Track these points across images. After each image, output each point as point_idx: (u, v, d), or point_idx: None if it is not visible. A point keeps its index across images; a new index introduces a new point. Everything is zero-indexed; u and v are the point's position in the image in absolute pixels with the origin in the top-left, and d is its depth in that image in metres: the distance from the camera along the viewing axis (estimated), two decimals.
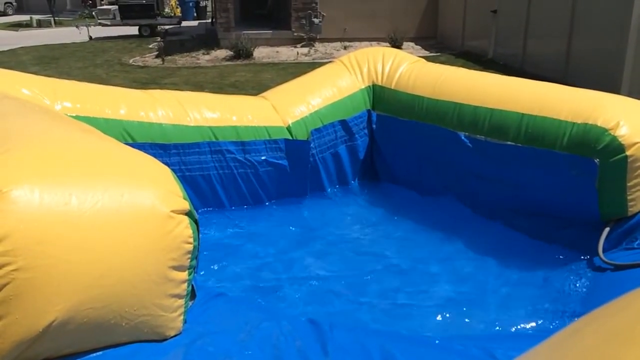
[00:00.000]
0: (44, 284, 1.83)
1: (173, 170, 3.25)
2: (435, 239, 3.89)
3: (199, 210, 3.83)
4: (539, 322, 2.94)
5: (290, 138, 4.28)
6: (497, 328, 2.93)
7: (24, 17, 25.50)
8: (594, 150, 3.37)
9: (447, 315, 3.05)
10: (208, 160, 4.02)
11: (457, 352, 2.30)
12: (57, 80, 3.93)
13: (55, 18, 24.17)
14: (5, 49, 15.22)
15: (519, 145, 3.74)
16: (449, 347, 2.36)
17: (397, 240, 3.93)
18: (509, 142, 3.79)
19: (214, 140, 4.03)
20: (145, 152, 3.32)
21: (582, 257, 3.41)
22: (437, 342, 2.43)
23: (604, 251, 3.28)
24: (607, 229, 3.38)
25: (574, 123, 3.49)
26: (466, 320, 3.01)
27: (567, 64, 9.14)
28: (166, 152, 3.84)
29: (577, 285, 3.19)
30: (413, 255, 3.71)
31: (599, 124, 3.39)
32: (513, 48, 10.91)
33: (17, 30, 21.88)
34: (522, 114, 3.74)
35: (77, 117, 3.42)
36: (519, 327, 2.91)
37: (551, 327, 2.85)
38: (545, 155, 3.61)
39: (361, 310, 3.12)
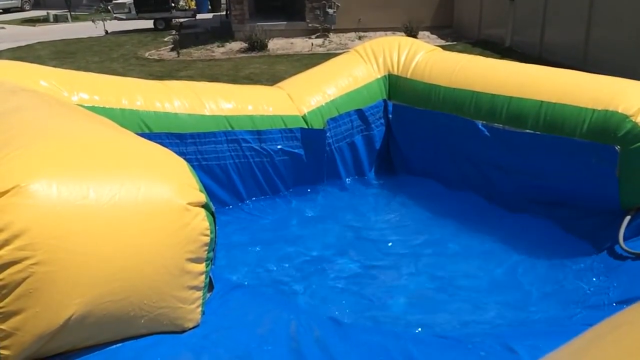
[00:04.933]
0: (63, 277, 1.84)
1: (189, 159, 3.26)
2: (452, 230, 3.85)
3: (215, 201, 3.84)
4: (561, 314, 2.89)
5: (306, 127, 4.28)
6: (518, 321, 2.89)
7: (41, 13, 25.73)
8: (615, 137, 3.32)
9: (465, 308, 3.02)
10: (224, 149, 4.03)
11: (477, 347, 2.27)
12: (74, 72, 3.97)
13: (72, 13, 24.34)
14: (23, 44, 15.37)
15: (538, 133, 3.69)
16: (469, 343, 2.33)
17: (414, 232, 3.90)
18: (527, 130, 3.74)
19: (230, 129, 4.04)
20: (161, 141, 3.34)
21: (603, 247, 3.35)
22: (456, 341, 2.40)
23: (624, 240, 3.23)
24: (628, 218, 3.32)
25: (594, 110, 3.44)
26: (485, 314, 2.98)
27: (586, 51, 8.99)
28: (182, 141, 3.86)
29: (598, 275, 3.14)
30: (429, 247, 3.68)
31: (619, 111, 3.33)
32: (531, 36, 10.75)
33: (34, 26, 22.09)
34: (541, 101, 3.69)
35: (94, 108, 3.44)
36: (539, 320, 2.86)
37: (573, 318, 2.81)
38: (564, 143, 3.56)
39: (377, 303, 3.10)
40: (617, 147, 3.31)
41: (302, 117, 4.30)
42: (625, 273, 3.01)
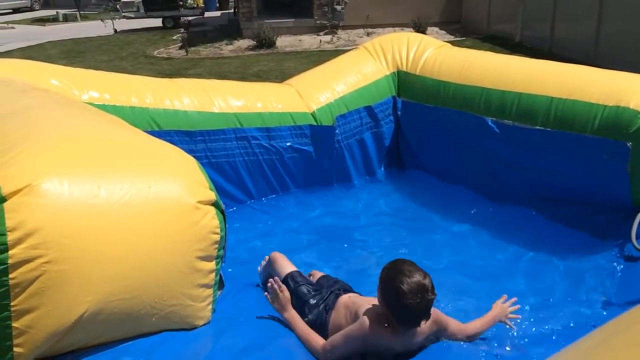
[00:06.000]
0: (75, 276, 1.85)
1: (199, 157, 3.26)
2: (461, 228, 3.83)
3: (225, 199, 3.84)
4: (571, 311, 2.87)
5: (315, 124, 4.27)
6: (524, 318, 2.86)
7: (51, 12, 25.85)
8: (626, 134, 3.29)
9: (469, 303, 3.00)
10: (233, 146, 4.04)
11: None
12: (85, 70, 4.00)
13: (81, 12, 24.44)
14: (33, 43, 15.44)
15: (548, 129, 3.66)
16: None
17: (421, 227, 3.89)
18: (537, 127, 3.72)
19: (239, 127, 4.04)
20: (171, 139, 3.35)
21: (614, 245, 3.31)
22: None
23: (637, 238, 3.20)
24: None
25: (605, 106, 3.41)
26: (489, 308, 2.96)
27: (597, 46, 8.92)
28: (192, 139, 3.87)
29: (609, 273, 3.11)
30: (435, 243, 3.67)
31: (631, 107, 3.31)
32: (541, 31, 10.67)
33: (44, 25, 22.19)
34: (552, 97, 3.67)
35: (104, 106, 3.46)
36: (549, 316, 2.84)
37: (582, 316, 2.79)
38: (575, 140, 3.54)
39: None
40: (629, 144, 3.28)
41: (311, 114, 4.30)
42: (637, 271, 2.99)
